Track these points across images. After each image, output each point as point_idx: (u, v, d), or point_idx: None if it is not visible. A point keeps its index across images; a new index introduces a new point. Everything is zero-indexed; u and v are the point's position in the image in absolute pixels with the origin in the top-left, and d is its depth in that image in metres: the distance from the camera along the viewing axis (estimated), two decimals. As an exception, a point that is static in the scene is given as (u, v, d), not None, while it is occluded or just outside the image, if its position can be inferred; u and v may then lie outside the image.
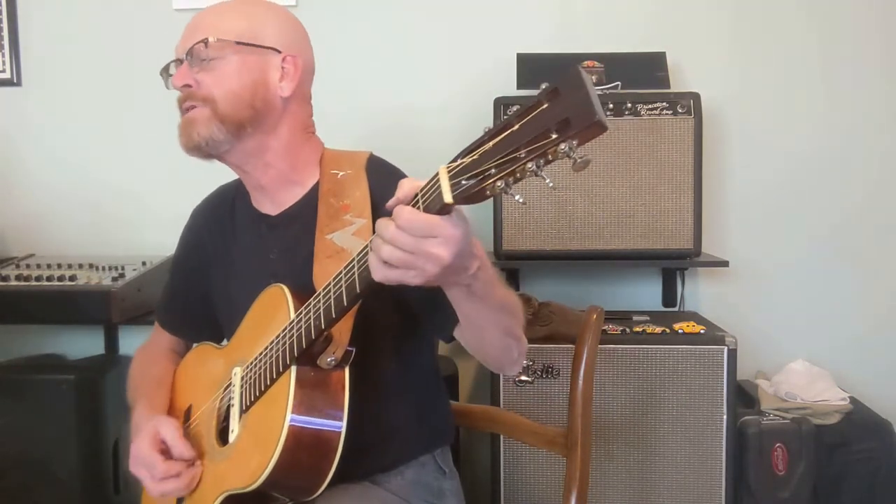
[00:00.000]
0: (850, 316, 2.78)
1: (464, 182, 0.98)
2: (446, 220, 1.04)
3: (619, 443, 2.28)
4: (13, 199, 2.91)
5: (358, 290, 1.19)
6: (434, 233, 1.04)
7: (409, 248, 1.05)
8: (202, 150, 1.50)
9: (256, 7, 1.55)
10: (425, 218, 1.04)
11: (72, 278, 2.44)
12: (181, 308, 1.79)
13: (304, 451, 1.29)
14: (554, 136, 0.89)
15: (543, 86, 0.92)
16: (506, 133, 0.94)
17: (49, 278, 2.44)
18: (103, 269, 2.52)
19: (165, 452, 1.48)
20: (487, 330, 1.33)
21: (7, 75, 2.89)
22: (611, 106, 2.40)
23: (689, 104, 2.41)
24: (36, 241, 2.87)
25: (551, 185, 0.91)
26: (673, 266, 2.66)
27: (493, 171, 0.95)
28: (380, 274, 1.10)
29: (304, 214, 1.54)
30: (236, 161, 1.55)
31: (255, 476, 1.30)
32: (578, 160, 0.89)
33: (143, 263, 2.58)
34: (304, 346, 1.29)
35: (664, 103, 2.41)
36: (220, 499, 1.39)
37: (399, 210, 1.05)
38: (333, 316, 1.24)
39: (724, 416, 2.26)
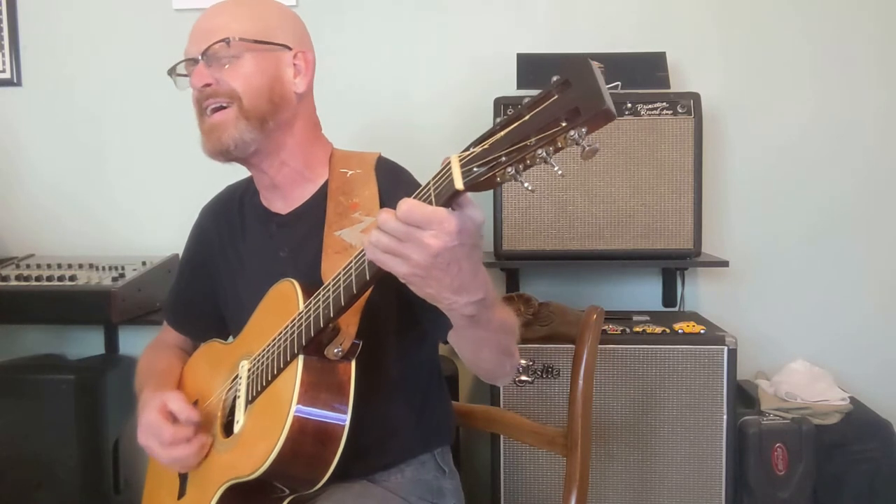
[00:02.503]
0: (850, 316, 2.78)
1: (475, 169, 0.99)
2: (443, 212, 1.04)
3: (619, 443, 2.28)
4: (13, 199, 2.91)
5: (367, 278, 1.20)
6: (429, 225, 1.05)
7: (400, 234, 1.06)
8: (230, 153, 1.51)
9: (264, 4, 1.57)
10: (422, 210, 1.05)
11: (72, 278, 2.44)
12: (188, 306, 1.80)
13: (307, 441, 1.30)
14: (564, 124, 0.91)
15: (555, 78, 0.93)
16: (517, 123, 0.96)
17: (49, 278, 2.44)
18: (103, 269, 2.52)
19: (174, 422, 1.49)
20: (484, 350, 1.36)
21: (7, 75, 2.88)
22: (611, 106, 2.39)
23: (689, 104, 2.42)
24: (36, 241, 2.87)
25: (560, 173, 0.92)
26: (673, 266, 2.66)
27: (503, 158, 0.96)
28: (370, 254, 1.11)
29: (314, 212, 1.55)
30: (256, 162, 1.56)
31: (259, 464, 1.30)
32: (587, 147, 0.91)
33: (143, 263, 2.58)
34: (312, 334, 1.30)
35: (664, 103, 2.42)
36: (224, 488, 1.39)
37: (400, 201, 1.07)
38: (343, 304, 1.25)
39: (724, 416, 2.26)
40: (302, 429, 1.29)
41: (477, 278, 1.13)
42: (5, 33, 2.87)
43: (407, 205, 1.05)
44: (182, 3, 2.78)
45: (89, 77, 2.89)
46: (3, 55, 2.87)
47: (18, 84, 2.90)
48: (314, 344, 1.32)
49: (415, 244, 1.05)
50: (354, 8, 2.82)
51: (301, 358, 1.32)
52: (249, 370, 1.45)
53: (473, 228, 1.07)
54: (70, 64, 2.89)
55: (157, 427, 1.48)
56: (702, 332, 2.32)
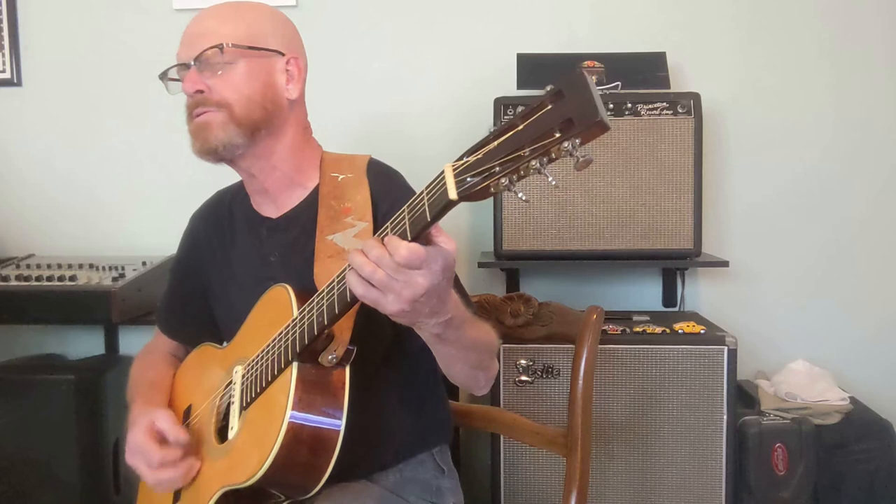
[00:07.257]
0: (850, 316, 2.78)
1: (469, 179, 1.00)
2: (432, 251, 1.10)
3: (619, 443, 2.28)
4: (13, 199, 2.91)
5: None
6: (422, 266, 1.10)
7: (392, 272, 1.10)
8: (217, 154, 1.50)
9: (256, 10, 1.56)
10: (419, 252, 1.09)
11: (72, 278, 2.43)
12: (180, 312, 1.80)
13: (302, 448, 1.30)
14: (557, 135, 0.91)
15: (548, 87, 0.94)
16: (510, 133, 0.96)
17: (49, 278, 2.44)
18: (103, 269, 2.52)
19: (162, 442, 1.47)
20: (456, 364, 1.39)
21: (7, 75, 2.89)
22: (611, 106, 2.39)
23: (689, 104, 2.42)
24: (36, 241, 2.88)
25: (554, 183, 0.92)
26: (673, 266, 2.66)
27: (497, 168, 0.97)
28: (360, 290, 1.14)
29: (305, 217, 1.55)
30: (246, 165, 1.55)
31: (253, 472, 1.30)
32: (581, 159, 0.91)
33: (143, 263, 2.58)
34: (306, 342, 1.30)
35: (664, 103, 2.42)
36: (218, 495, 1.39)
37: (396, 245, 1.09)
38: (336, 312, 1.25)
39: (724, 416, 2.26)
40: (296, 436, 1.29)
41: (447, 303, 1.19)
42: (5, 33, 2.87)
43: (407, 250, 1.08)
44: (182, 3, 2.78)
45: (89, 77, 2.89)
46: (3, 55, 2.87)
47: (18, 84, 2.90)
48: (308, 351, 1.32)
49: (403, 282, 1.10)
50: (354, 8, 2.82)
51: (295, 365, 1.32)
52: (244, 376, 1.45)
53: (452, 262, 1.13)
54: (70, 64, 2.90)
55: (145, 449, 1.46)
56: (702, 332, 2.32)
